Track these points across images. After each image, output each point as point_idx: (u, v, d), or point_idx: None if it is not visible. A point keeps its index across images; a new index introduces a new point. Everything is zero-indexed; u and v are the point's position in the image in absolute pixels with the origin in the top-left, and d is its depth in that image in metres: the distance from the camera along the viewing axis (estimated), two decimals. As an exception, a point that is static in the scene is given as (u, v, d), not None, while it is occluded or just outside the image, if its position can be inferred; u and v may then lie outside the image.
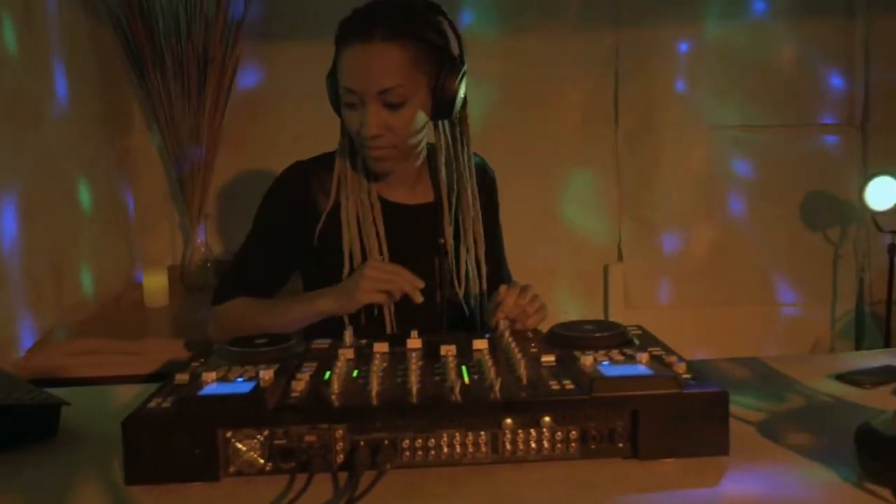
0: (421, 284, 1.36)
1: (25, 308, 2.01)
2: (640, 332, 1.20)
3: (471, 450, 0.92)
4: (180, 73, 2.69)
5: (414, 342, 1.14)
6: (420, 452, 0.91)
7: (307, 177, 1.53)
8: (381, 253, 1.48)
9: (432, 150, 1.54)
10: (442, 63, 1.40)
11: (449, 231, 1.51)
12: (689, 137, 3.11)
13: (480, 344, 1.12)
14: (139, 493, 0.89)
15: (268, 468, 0.91)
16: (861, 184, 2.86)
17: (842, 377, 1.24)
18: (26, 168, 2.06)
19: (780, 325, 3.18)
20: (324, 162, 1.53)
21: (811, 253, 3.18)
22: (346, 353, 1.10)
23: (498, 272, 1.64)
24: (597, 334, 1.12)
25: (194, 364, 1.09)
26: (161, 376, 1.89)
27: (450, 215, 1.52)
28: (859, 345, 3.20)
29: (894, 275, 2.86)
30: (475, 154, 1.60)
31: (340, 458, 0.91)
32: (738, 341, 3.12)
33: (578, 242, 3.10)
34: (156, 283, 2.50)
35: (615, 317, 3.13)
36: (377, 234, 1.49)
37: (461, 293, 1.51)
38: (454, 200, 1.53)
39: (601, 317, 3.16)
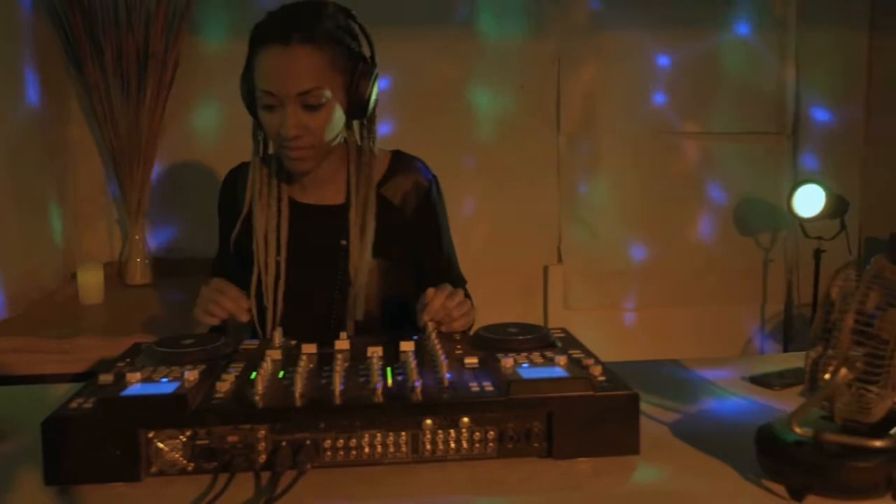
0: (246, 306, 1.39)
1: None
2: (563, 335, 1.24)
3: (391, 450, 0.94)
4: (120, 67, 2.66)
5: (342, 344, 1.16)
6: (342, 452, 0.94)
7: (233, 179, 1.60)
8: (278, 255, 1.51)
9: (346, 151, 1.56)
10: (356, 64, 1.43)
11: (356, 232, 1.52)
12: (628, 142, 3.18)
13: (407, 346, 1.14)
14: (59, 493, 0.89)
15: (190, 468, 0.92)
16: (789, 191, 2.96)
17: (754, 379, 1.29)
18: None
19: (712, 326, 3.27)
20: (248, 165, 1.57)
21: (743, 257, 3.28)
22: (274, 355, 1.11)
23: (443, 276, 1.59)
24: (520, 337, 1.16)
25: (120, 364, 1.09)
26: (92, 374, 1.88)
27: (360, 216, 1.52)
28: (787, 346, 3.31)
29: (819, 279, 2.97)
30: (415, 158, 1.63)
31: (263, 458, 0.92)
32: (671, 342, 3.21)
33: (518, 243, 3.14)
34: (91, 280, 2.46)
35: (553, 318, 3.18)
36: (278, 237, 1.51)
37: (355, 303, 1.51)
38: (363, 201, 1.53)
39: (540, 318, 3.21)
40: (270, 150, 1.53)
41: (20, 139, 2.45)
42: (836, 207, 2.87)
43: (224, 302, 1.38)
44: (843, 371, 0.86)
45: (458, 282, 1.63)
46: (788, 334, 3.31)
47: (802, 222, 2.96)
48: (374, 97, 1.47)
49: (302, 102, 1.38)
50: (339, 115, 1.44)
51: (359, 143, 1.56)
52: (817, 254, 2.95)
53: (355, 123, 1.54)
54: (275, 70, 1.38)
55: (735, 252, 3.26)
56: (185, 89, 2.83)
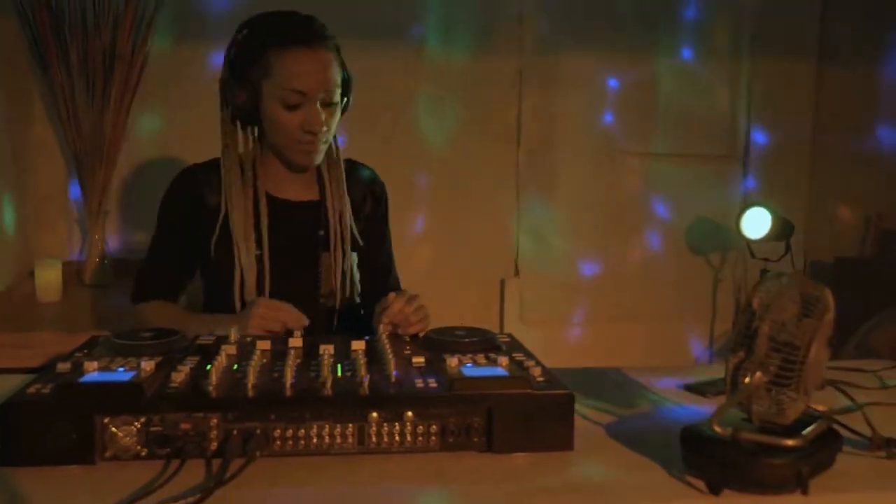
0: (306, 322, 1.43)
1: None
2: (508, 339, 1.30)
3: (338, 441, 0.99)
4: (86, 68, 2.67)
5: (295, 341, 1.20)
6: (290, 442, 0.98)
7: (197, 181, 1.62)
8: (258, 250, 1.57)
9: None
10: (342, 63, 1.57)
11: (335, 222, 1.63)
12: (584, 160, 3.26)
13: (358, 345, 1.19)
14: (15, 473, 0.92)
15: (143, 454, 0.96)
16: (738, 213, 3.06)
17: (689, 387, 1.36)
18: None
19: (662, 341, 3.36)
20: (212, 166, 1.62)
21: (693, 275, 3.38)
22: (229, 349, 1.15)
23: (386, 278, 1.76)
24: (466, 339, 1.21)
25: (77, 354, 1.12)
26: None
27: (333, 211, 1.63)
28: (734, 363, 3.40)
29: (765, 299, 3.06)
30: (366, 166, 1.76)
31: (214, 445, 0.96)
32: (623, 355, 3.28)
33: (476, 256, 3.20)
34: (48, 278, 2.47)
35: (509, 330, 3.24)
36: (258, 233, 1.57)
37: (338, 285, 1.62)
38: (339, 195, 1.64)
39: (497, 330, 3.26)
40: (242, 149, 1.59)
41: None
42: (782, 230, 2.97)
43: (284, 319, 1.42)
44: (759, 374, 0.93)
45: (397, 282, 1.77)
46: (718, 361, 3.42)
47: (750, 243, 3.07)
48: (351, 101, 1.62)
49: (322, 101, 1.50)
50: (339, 114, 1.57)
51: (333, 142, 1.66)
52: (763, 274, 3.05)
53: None
54: (304, 70, 1.48)
55: (686, 270, 3.37)
56: (150, 92, 2.85)
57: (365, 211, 1.71)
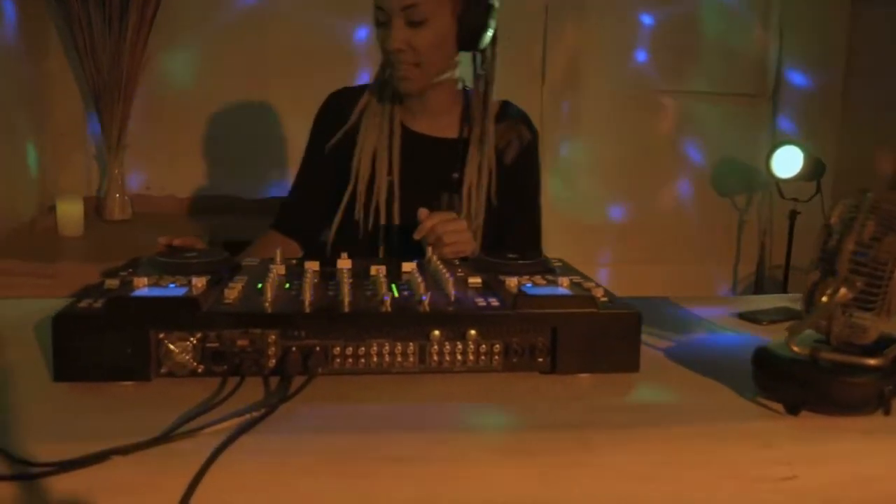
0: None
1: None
2: (560, 263, 1.26)
3: (399, 359, 0.96)
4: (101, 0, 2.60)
5: (344, 262, 1.17)
6: (350, 360, 0.95)
7: (342, 100, 1.59)
8: (389, 174, 1.53)
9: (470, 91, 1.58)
10: None
11: (472, 166, 1.53)
12: (609, 99, 3.20)
13: (409, 266, 1.15)
14: (68, 389, 0.90)
15: (200, 370, 0.93)
16: (768, 152, 3.00)
17: (742, 315, 1.33)
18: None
19: (685, 283, 3.33)
20: (362, 89, 1.58)
21: (718, 217, 3.33)
22: (278, 269, 1.12)
23: (524, 234, 1.60)
24: (520, 262, 1.18)
25: (123, 273, 1.09)
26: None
27: (474, 153, 1.53)
28: (757, 306, 3.38)
29: (793, 240, 3.03)
30: (519, 109, 1.64)
31: (272, 362, 0.93)
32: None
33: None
34: (70, 212, 2.44)
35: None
36: (390, 157, 1.53)
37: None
38: (479, 135, 1.54)
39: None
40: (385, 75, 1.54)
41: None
42: (813, 169, 2.92)
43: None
44: (843, 290, 0.89)
45: (534, 247, 1.59)
46: (759, 294, 3.39)
47: (779, 183, 3.02)
48: (489, 30, 1.48)
49: (406, 18, 1.41)
50: (445, 39, 1.46)
51: (467, 81, 1.57)
52: (792, 215, 3.01)
53: (474, 58, 1.55)
54: None
55: (710, 212, 3.32)
56: (166, 26, 2.78)
57: (510, 156, 1.58)
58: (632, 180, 3.27)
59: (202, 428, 0.79)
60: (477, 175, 1.53)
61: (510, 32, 3.03)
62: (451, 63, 1.52)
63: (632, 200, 3.28)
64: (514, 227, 1.58)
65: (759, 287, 3.39)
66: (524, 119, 1.63)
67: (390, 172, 1.53)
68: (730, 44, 3.23)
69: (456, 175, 1.54)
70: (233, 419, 0.81)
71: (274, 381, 0.93)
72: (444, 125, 1.58)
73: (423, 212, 1.36)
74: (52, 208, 2.53)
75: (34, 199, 2.66)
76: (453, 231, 1.36)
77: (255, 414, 0.82)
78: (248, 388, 0.91)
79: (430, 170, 1.55)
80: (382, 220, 1.53)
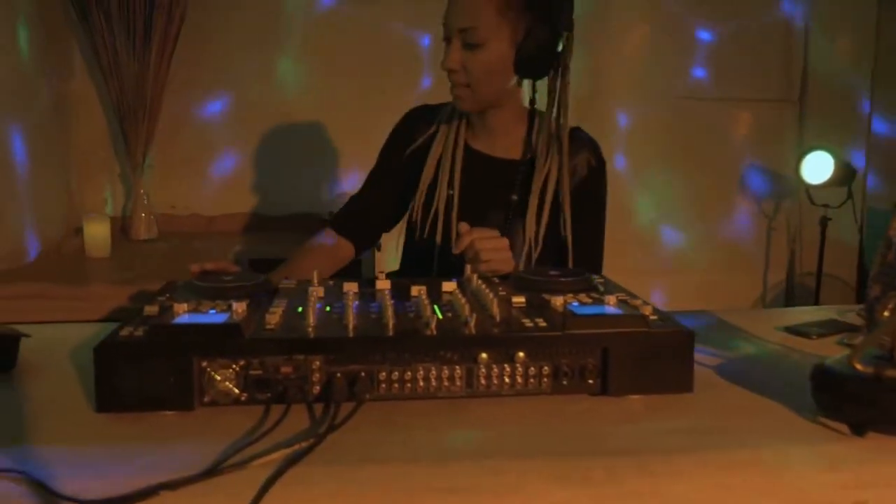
0: None
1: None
2: (602, 280, 1.23)
3: (446, 383, 0.93)
4: (125, 18, 2.60)
5: (383, 283, 1.15)
6: (396, 385, 0.92)
7: (416, 118, 1.64)
8: (451, 189, 1.55)
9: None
10: (534, 22, 1.43)
11: (537, 188, 1.52)
12: (635, 105, 3.16)
13: (449, 286, 1.13)
14: (111, 420, 0.88)
15: (243, 398, 0.91)
16: (797, 158, 2.96)
17: (790, 329, 1.29)
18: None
19: (713, 293, 3.28)
20: (441, 108, 1.63)
21: (746, 224, 3.28)
22: (317, 291, 1.09)
23: (583, 259, 1.57)
24: (563, 279, 1.15)
25: (161, 298, 1.07)
26: (108, 321, 1.86)
27: (537, 176, 1.53)
28: (788, 314, 3.33)
29: (825, 247, 2.98)
30: (588, 136, 1.61)
31: (317, 389, 0.91)
32: (675, 307, 3.21)
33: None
34: (97, 233, 2.43)
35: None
36: (451, 172, 1.56)
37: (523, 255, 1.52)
38: (538, 163, 1.53)
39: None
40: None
41: (21, 92, 2.40)
42: (844, 175, 2.88)
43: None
44: (908, 306, 0.86)
45: (594, 269, 1.54)
46: (790, 303, 3.34)
47: (809, 189, 2.97)
48: (551, 59, 1.47)
49: (463, 40, 1.44)
50: (500, 64, 1.45)
51: (531, 105, 1.56)
52: (823, 221, 2.96)
53: (541, 84, 1.53)
54: (448, 5, 1.47)
55: (738, 219, 3.27)
56: (190, 43, 2.78)
57: (576, 180, 1.56)
58: (657, 188, 3.23)
59: (250, 460, 0.77)
60: (539, 199, 1.52)
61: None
62: (508, 88, 1.51)
63: (657, 208, 3.24)
64: (575, 253, 1.55)
65: (789, 295, 3.34)
66: (593, 146, 1.61)
67: (451, 186, 1.55)
68: (756, 48, 3.19)
69: (515, 197, 1.54)
70: (280, 450, 0.79)
71: (318, 407, 0.91)
72: (505, 146, 1.58)
73: (463, 226, 1.34)
74: (79, 229, 2.52)
75: (61, 221, 2.67)
76: (492, 248, 1.33)
77: (303, 444, 0.79)
78: (292, 415, 0.89)
79: (487, 188, 1.56)
80: (439, 232, 1.55)
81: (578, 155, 1.57)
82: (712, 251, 3.27)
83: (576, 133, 1.59)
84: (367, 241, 1.70)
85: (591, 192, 1.59)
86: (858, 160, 3.14)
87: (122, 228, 2.77)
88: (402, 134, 1.65)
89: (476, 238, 1.31)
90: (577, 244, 1.56)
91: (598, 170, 1.59)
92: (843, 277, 3.17)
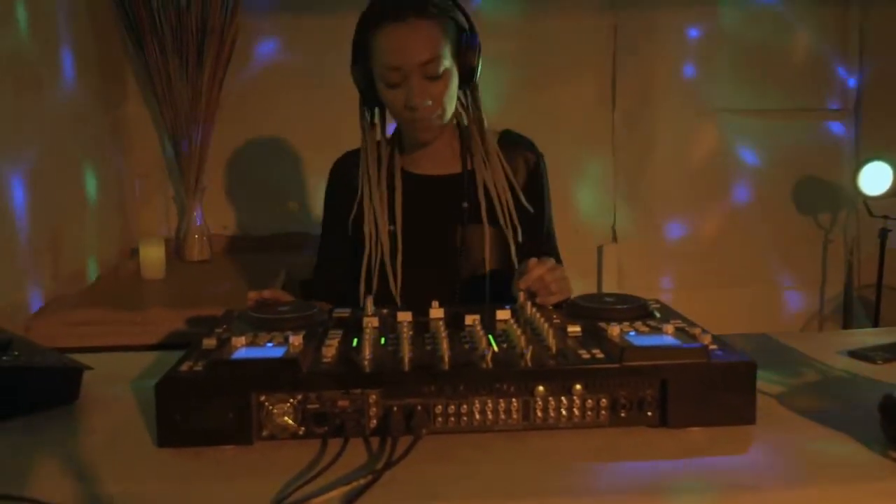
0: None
1: (28, 278, 1.99)
2: (658, 305, 1.21)
3: (502, 416, 0.93)
4: (178, 44, 2.66)
5: (436, 312, 1.14)
6: (452, 419, 0.92)
7: (345, 165, 1.62)
8: (391, 225, 1.54)
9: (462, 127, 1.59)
10: (461, 34, 1.48)
11: (481, 194, 1.54)
12: (684, 120, 3.13)
13: (504, 314, 1.13)
14: (171, 455, 0.89)
15: (301, 432, 0.91)
16: (854, 169, 2.89)
17: (854, 353, 1.25)
18: (30, 141, 2.04)
19: (769, 307, 3.23)
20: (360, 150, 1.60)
21: (802, 237, 3.22)
22: (372, 322, 1.10)
23: (542, 252, 1.55)
24: (618, 306, 1.13)
25: (218, 330, 1.09)
26: (164, 346, 1.89)
27: (476, 183, 1.55)
28: (847, 328, 3.25)
29: (885, 259, 2.90)
30: (521, 136, 1.65)
31: (374, 423, 0.91)
32: (728, 323, 3.14)
33: (573, 223, 3.11)
34: (152, 255, 2.48)
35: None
36: (392, 209, 1.54)
37: (488, 256, 1.53)
38: (478, 165, 1.56)
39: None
40: (379, 134, 1.57)
41: (86, 120, 2.46)
42: (904, 186, 2.80)
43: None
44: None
45: (556, 260, 1.59)
46: (848, 317, 3.25)
47: (867, 201, 2.90)
48: (479, 66, 1.51)
49: (423, 73, 1.43)
50: (455, 84, 1.48)
51: (470, 109, 1.58)
52: (883, 233, 2.88)
53: (464, 93, 1.56)
54: (396, 46, 1.42)
55: (794, 232, 3.21)
56: (242, 66, 2.83)
57: (520, 181, 1.59)
58: (709, 203, 3.18)
59: (310, 497, 0.77)
60: (495, 191, 1.54)
61: (577, 57, 3.03)
62: (456, 103, 1.53)
63: (711, 223, 3.19)
64: (527, 246, 1.56)
65: (847, 309, 3.25)
66: (527, 144, 1.64)
67: (392, 223, 1.54)
68: (807, 58, 3.13)
69: (466, 204, 1.55)
70: (340, 487, 0.79)
71: (375, 440, 0.91)
72: (445, 163, 1.58)
73: (532, 261, 1.33)
74: (135, 251, 2.58)
75: (118, 243, 2.73)
76: (561, 279, 1.33)
77: (361, 481, 0.79)
78: (350, 449, 0.89)
79: (438, 207, 1.56)
80: (389, 270, 1.53)
81: (515, 156, 1.60)
82: (767, 265, 3.20)
83: (508, 135, 1.63)
84: (350, 298, 1.62)
85: (538, 186, 1.62)
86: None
87: (175, 250, 2.82)
88: (335, 187, 1.64)
89: (545, 272, 1.30)
90: (540, 239, 1.62)
91: (538, 164, 1.63)
92: (903, 290, 3.08)
